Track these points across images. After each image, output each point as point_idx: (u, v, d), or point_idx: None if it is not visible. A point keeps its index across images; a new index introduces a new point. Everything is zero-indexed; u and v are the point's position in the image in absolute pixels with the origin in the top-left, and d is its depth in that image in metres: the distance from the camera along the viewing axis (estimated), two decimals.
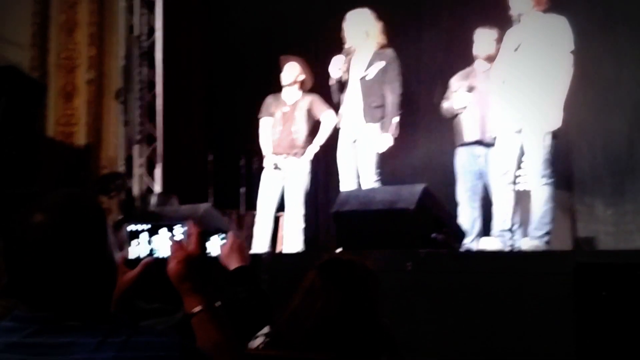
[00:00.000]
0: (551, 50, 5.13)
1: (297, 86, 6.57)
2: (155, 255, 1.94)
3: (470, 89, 6.06)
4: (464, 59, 6.32)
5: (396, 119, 5.85)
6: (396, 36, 6.46)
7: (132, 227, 1.93)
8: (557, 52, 5.12)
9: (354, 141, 5.98)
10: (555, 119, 5.11)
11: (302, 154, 6.46)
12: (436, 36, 7.79)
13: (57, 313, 1.55)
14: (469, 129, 6.06)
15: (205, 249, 1.83)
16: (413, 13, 7.88)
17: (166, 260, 1.86)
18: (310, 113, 6.52)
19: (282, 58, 6.68)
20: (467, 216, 5.97)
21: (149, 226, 1.94)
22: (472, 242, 5.82)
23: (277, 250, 7.17)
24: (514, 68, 5.26)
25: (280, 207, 6.71)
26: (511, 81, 5.30)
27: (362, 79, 5.96)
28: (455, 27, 7.29)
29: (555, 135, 5.15)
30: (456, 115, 6.15)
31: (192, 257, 1.81)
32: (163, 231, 1.93)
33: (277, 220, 7.09)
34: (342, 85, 6.05)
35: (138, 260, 1.95)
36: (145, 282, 1.96)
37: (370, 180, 5.87)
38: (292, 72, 6.56)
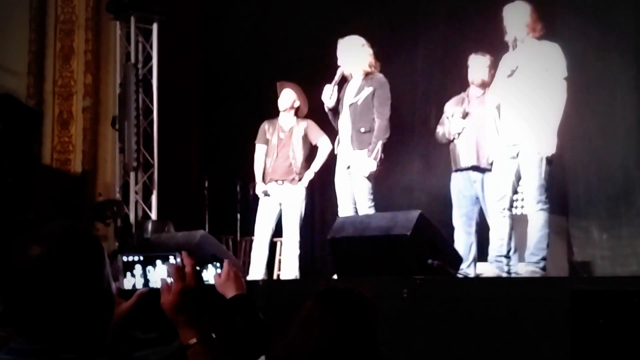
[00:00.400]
0: (545, 76, 5.17)
1: (293, 112, 6.61)
2: (150, 286, 1.95)
3: (465, 115, 6.09)
4: (460, 84, 6.35)
5: (379, 144, 5.86)
6: (391, 61, 6.50)
7: (126, 258, 1.94)
8: (551, 78, 5.16)
9: (348, 167, 6.00)
10: (550, 145, 5.13)
11: (299, 180, 6.49)
12: (432, 61, 7.84)
13: (53, 345, 1.55)
14: (464, 155, 6.08)
15: (201, 280, 1.82)
16: (409, 38, 7.93)
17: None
18: (306, 139, 6.56)
19: (278, 84, 6.72)
20: (463, 241, 5.97)
21: (143, 257, 1.94)
22: (468, 268, 5.81)
23: (275, 276, 7.17)
24: (509, 93, 5.30)
25: (278, 233, 6.72)
26: (506, 106, 5.33)
27: (352, 105, 5.99)
28: (450, 52, 7.34)
29: (550, 160, 5.17)
30: (451, 140, 6.17)
31: (187, 289, 1.80)
32: (158, 262, 1.93)
33: (274, 246, 7.10)
34: (336, 112, 6.09)
35: (133, 291, 1.95)
36: (141, 312, 1.96)
37: (364, 206, 5.88)
38: (288, 98, 6.61)
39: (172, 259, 1.92)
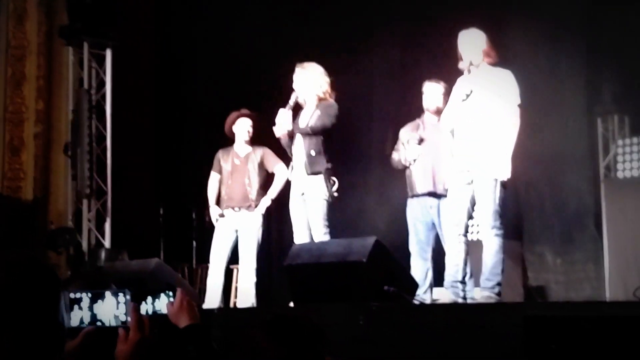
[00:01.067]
0: (499, 102, 5.22)
1: (248, 140, 6.60)
2: (97, 322, 1.87)
3: (420, 141, 6.12)
4: (416, 110, 6.38)
5: (328, 165, 5.85)
6: (347, 86, 6.51)
7: (73, 295, 1.86)
8: (504, 104, 5.21)
9: (302, 194, 5.96)
10: (504, 170, 5.17)
11: (255, 206, 6.45)
12: (387, 86, 7.89)
13: None
14: (420, 181, 6.10)
15: (153, 331, 1.77)
16: (364, 63, 7.97)
17: (109, 329, 1.80)
18: (262, 166, 6.54)
19: (233, 113, 6.70)
20: (419, 267, 5.97)
21: (91, 294, 1.87)
22: (424, 294, 5.81)
23: (232, 304, 7.09)
24: (462, 118, 5.33)
25: (234, 260, 6.65)
26: (460, 131, 5.37)
27: (303, 130, 5.96)
28: (407, 78, 7.39)
29: (505, 185, 5.21)
30: (407, 166, 6.19)
31: (145, 341, 1.75)
32: (107, 297, 1.86)
33: (230, 273, 7.02)
34: (290, 138, 6.06)
35: (79, 329, 1.87)
36: (87, 354, 1.88)
37: (320, 232, 5.84)
38: (244, 126, 6.60)
39: (121, 296, 1.85)
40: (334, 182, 5.84)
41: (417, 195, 6.12)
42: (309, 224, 5.92)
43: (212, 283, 6.46)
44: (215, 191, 6.64)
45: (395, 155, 6.30)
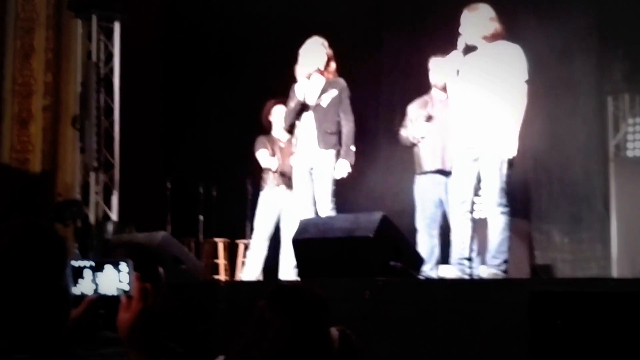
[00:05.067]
0: (506, 78, 5.15)
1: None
2: (99, 292, 1.86)
3: (429, 119, 6.08)
4: (424, 87, 6.34)
5: (353, 147, 5.84)
6: (356, 65, 6.48)
7: (75, 264, 1.86)
8: (511, 81, 5.14)
9: (311, 169, 5.95)
10: (510, 148, 5.12)
11: None
12: (396, 64, 7.85)
13: (7, 346, 1.50)
14: (429, 158, 6.07)
15: (159, 301, 1.77)
16: (373, 41, 7.93)
17: (112, 298, 1.79)
18: None
19: (269, 102, 6.73)
20: (426, 244, 5.96)
21: (93, 263, 1.87)
22: (430, 270, 5.81)
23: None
24: (469, 96, 5.28)
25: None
26: (467, 109, 5.32)
27: (316, 106, 5.93)
28: (414, 55, 7.33)
29: (512, 163, 5.17)
30: (415, 144, 6.16)
31: (148, 311, 1.74)
32: (108, 268, 1.86)
33: (235, 248, 7.06)
34: (301, 109, 6.00)
35: (82, 297, 1.88)
36: (91, 321, 1.88)
37: (326, 208, 5.83)
38: (281, 114, 6.56)
39: (123, 265, 1.85)
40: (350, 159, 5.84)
41: (425, 173, 6.09)
42: (315, 199, 5.92)
43: (253, 255, 6.53)
44: (268, 162, 6.61)
45: (403, 132, 6.27)
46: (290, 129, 6.05)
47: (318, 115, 5.91)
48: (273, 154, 6.62)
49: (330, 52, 5.98)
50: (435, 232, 6.02)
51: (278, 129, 6.66)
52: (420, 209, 6.11)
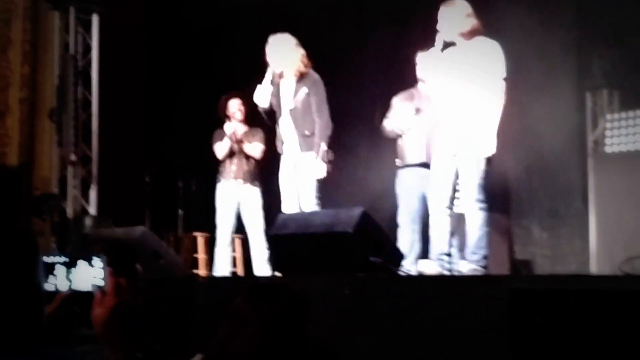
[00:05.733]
0: (484, 76, 5.14)
1: (242, 119, 6.65)
2: (74, 289, 1.84)
3: (417, 111, 6.05)
4: (406, 81, 6.32)
5: (323, 145, 5.83)
6: (336, 59, 6.45)
7: (47, 260, 1.83)
8: (489, 78, 5.13)
9: (295, 165, 5.95)
10: (488, 145, 5.12)
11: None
12: (377, 58, 7.82)
13: None
14: (413, 151, 6.05)
15: (134, 297, 1.74)
16: (354, 35, 7.90)
17: (86, 294, 1.77)
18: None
19: (222, 98, 6.68)
20: (407, 238, 5.96)
21: (67, 259, 1.84)
22: (410, 265, 5.81)
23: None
24: (448, 93, 5.27)
25: (214, 229, 6.65)
26: (445, 106, 5.31)
27: (291, 110, 5.93)
28: (396, 49, 7.31)
29: (490, 160, 5.17)
30: (399, 135, 6.14)
31: (121, 306, 1.72)
32: (82, 264, 1.83)
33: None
34: (271, 112, 6.03)
35: (54, 293, 1.85)
36: (65, 317, 1.85)
37: (310, 205, 5.85)
38: (235, 106, 6.62)
39: (96, 261, 1.82)
40: (330, 157, 5.83)
41: (409, 166, 6.07)
42: (299, 195, 5.91)
43: (220, 252, 6.52)
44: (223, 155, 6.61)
45: (387, 124, 6.24)
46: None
47: (294, 119, 5.92)
48: (230, 148, 6.59)
49: (303, 51, 5.94)
50: (417, 227, 6.01)
51: (235, 121, 6.62)
52: (403, 203, 6.09)
